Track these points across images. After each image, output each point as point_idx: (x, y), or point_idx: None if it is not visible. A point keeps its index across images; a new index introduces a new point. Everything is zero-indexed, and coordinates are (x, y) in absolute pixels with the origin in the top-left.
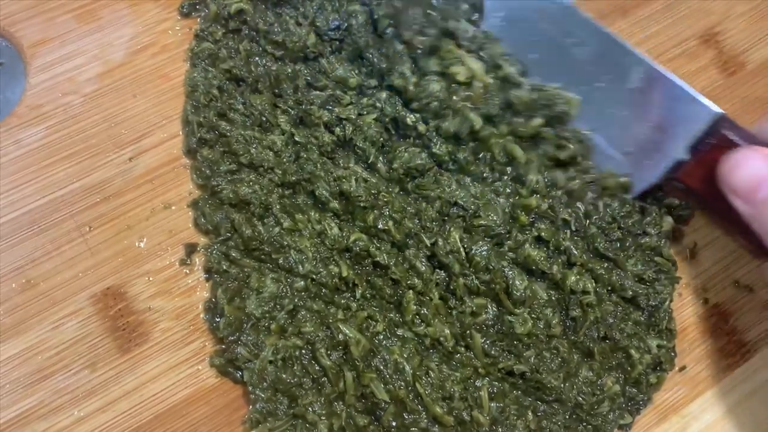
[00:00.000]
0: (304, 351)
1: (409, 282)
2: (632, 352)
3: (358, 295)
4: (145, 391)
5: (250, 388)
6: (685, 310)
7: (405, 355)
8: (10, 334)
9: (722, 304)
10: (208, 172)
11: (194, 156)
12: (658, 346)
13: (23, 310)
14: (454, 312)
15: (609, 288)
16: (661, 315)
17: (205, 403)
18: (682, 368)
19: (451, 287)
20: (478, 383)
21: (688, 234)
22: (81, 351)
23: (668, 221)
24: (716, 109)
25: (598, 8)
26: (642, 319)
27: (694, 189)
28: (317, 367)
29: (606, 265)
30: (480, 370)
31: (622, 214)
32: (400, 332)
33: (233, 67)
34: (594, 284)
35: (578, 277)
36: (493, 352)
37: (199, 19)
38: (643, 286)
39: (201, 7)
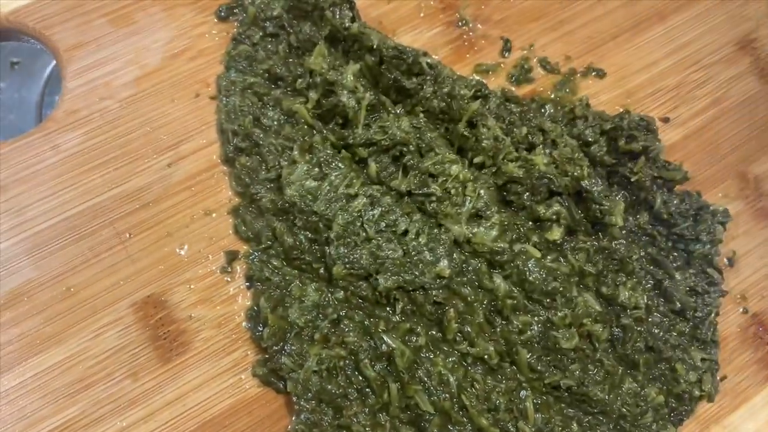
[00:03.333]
0: (347, 361)
1: (453, 301)
2: (678, 366)
3: (398, 310)
4: (188, 401)
5: (294, 399)
6: (726, 319)
7: (449, 367)
8: (51, 343)
9: (762, 314)
10: (247, 180)
11: (232, 164)
12: (702, 359)
13: (64, 319)
14: (497, 329)
15: (660, 300)
16: (706, 326)
17: (248, 414)
18: (723, 378)
19: (497, 306)
20: (522, 394)
21: (727, 242)
22: (122, 360)
23: (720, 230)
24: None
25: (634, 13)
26: (686, 329)
27: None
28: (361, 378)
29: (659, 271)
30: (524, 384)
31: (680, 210)
32: (442, 349)
33: (273, 66)
34: (646, 298)
35: (631, 292)
36: (539, 368)
37: (236, 23)
38: (692, 299)
39: (239, 11)
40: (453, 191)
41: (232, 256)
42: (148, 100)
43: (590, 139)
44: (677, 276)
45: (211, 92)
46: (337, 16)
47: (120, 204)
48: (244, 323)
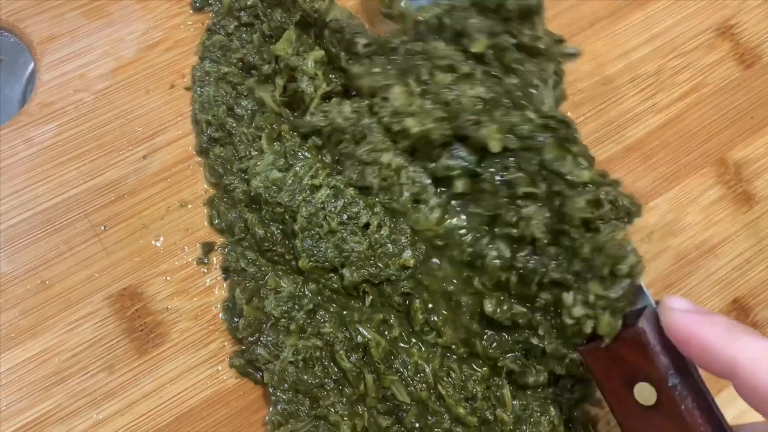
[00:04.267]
0: (324, 352)
1: (421, 292)
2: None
3: (367, 303)
4: (164, 393)
5: (270, 390)
6: (706, 304)
7: (425, 357)
8: (25, 337)
9: (742, 299)
10: (220, 170)
11: (206, 155)
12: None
13: (39, 312)
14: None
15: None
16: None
17: (225, 405)
18: None
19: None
20: (499, 382)
21: (708, 227)
22: (98, 353)
23: None
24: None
25: (612, 1)
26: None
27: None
28: (336, 369)
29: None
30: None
31: None
32: (414, 340)
33: (246, 54)
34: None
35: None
36: (491, 352)
37: (211, 14)
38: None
39: (214, 1)
40: (388, 180)
41: (208, 248)
42: (123, 92)
43: None
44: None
45: (187, 83)
46: (308, 1)
47: (95, 196)
48: (221, 314)
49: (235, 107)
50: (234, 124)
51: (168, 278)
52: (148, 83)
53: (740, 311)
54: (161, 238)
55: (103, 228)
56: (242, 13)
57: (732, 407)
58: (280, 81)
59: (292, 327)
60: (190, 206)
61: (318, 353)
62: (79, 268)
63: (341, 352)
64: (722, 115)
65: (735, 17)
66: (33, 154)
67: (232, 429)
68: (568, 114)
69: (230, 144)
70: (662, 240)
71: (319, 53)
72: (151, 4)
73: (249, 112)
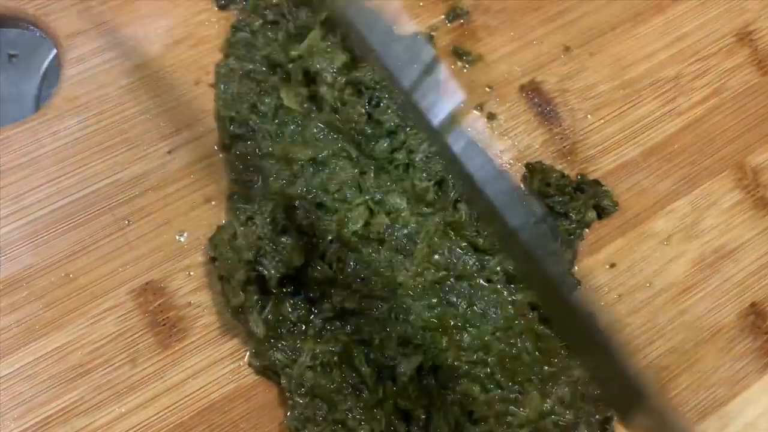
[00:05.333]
0: (341, 357)
1: None
2: None
3: None
4: (187, 387)
5: (287, 395)
6: (723, 308)
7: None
8: (50, 329)
9: (760, 303)
10: (241, 167)
11: (228, 151)
12: None
13: (62, 305)
14: None
15: None
16: None
17: (246, 400)
18: None
19: None
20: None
21: (726, 231)
22: (121, 346)
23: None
24: None
25: (633, 4)
26: None
27: None
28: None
29: None
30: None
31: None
32: None
33: (271, 52)
34: None
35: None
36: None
37: (236, 12)
38: None
39: None
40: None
41: None
42: (147, 88)
43: None
44: None
45: (211, 80)
46: None
47: (119, 191)
48: None
49: (258, 104)
50: (258, 121)
51: (191, 273)
52: (173, 79)
53: (757, 315)
54: (185, 234)
55: (127, 222)
56: (267, 11)
57: (744, 414)
58: (302, 88)
59: (310, 332)
60: (213, 202)
61: (336, 358)
62: (102, 261)
63: (361, 356)
64: (740, 120)
65: (754, 23)
66: (58, 147)
67: (253, 424)
68: (588, 117)
69: (252, 140)
70: (681, 243)
71: (341, 58)
72: (177, 1)
73: (272, 108)
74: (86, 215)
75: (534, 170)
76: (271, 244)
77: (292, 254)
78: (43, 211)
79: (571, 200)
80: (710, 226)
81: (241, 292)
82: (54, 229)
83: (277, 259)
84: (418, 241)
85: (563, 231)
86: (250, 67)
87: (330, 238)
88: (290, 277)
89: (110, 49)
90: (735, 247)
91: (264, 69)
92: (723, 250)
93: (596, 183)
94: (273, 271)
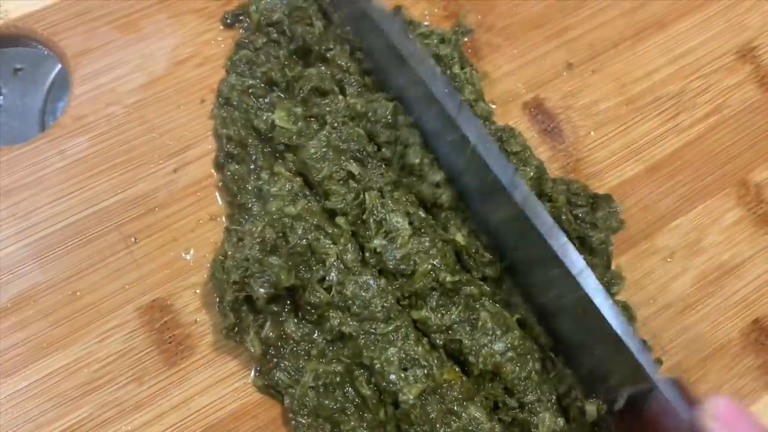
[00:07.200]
0: (344, 378)
1: None
2: None
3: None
4: (193, 405)
5: (290, 416)
6: (726, 325)
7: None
8: (57, 347)
9: (763, 319)
10: (235, 188)
11: (222, 170)
12: None
13: (69, 323)
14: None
15: None
16: None
17: (252, 417)
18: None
19: None
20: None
21: (729, 248)
22: (128, 364)
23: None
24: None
25: (635, 21)
26: None
27: None
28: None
29: None
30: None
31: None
32: None
33: (270, 69)
34: None
35: None
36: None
37: (241, 30)
38: None
39: (244, 17)
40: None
41: None
42: (154, 106)
43: None
44: None
45: None
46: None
47: (126, 209)
48: None
49: (255, 120)
50: (251, 140)
51: (197, 291)
52: (179, 98)
53: (761, 332)
54: (191, 251)
55: (133, 240)
56: (271, 29)
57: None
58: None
59: (314, 352)
60: (219, 220)
61: (338, 379)
62: (109, 279)
63: (361, 378)
64: (742, 137)
65: (756, 40)
66: (66, 166)
67: None
68: (592, 133)
69: (245, 162)
70: (684, 260)
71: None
72: (183, 20)
73: (269, 125)
74: (93, 233)
75: (557, 183)
76: (257, 265)
77: (279, 274)
78: (51, 229)
79: (592, 210)
80: (713, 243)
81: (230, 313)
82: (61, 247)
83: (262, 279)
84: (417, 261)
85: (595, 241)
86: (250, 82)
87: (330, 261)
88: (287, 297)
89: (117, 68)
90: (737, 264)
91: (263, 85)
92: (726, 266)
93: (609, 197)
94: (262, 291)
